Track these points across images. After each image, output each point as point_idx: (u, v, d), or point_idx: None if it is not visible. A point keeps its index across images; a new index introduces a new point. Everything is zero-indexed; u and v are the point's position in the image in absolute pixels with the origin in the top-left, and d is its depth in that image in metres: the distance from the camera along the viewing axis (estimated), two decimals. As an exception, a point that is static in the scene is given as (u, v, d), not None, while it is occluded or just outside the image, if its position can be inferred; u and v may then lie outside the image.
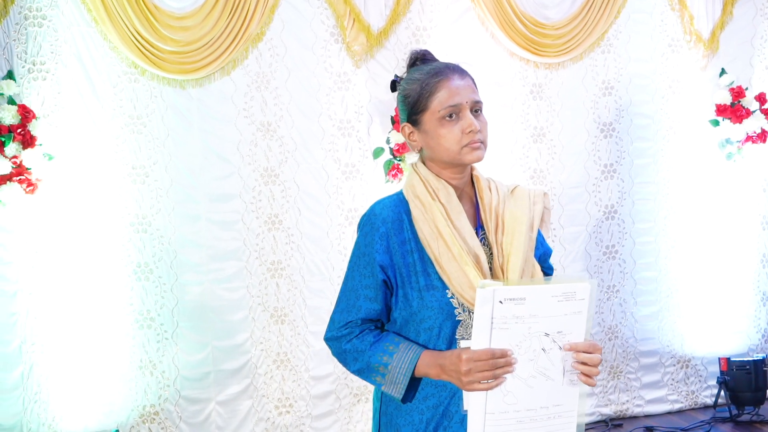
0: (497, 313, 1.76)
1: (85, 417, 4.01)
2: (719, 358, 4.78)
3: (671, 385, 4.92)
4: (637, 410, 4.84)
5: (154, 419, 4.16)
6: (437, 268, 1.92)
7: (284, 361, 4.34)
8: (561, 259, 4.71)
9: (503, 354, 1.76)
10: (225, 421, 4.27)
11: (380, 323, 2.03)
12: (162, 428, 4.17)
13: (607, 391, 4.81)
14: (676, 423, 4.72)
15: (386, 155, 4.34)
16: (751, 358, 4.73)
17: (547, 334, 1.80)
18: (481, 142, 1.96)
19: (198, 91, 4.14)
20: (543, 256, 2.11)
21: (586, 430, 4.62)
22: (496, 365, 1.76)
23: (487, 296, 1.75)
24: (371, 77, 4.38)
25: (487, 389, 1.78)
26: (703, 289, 4.93)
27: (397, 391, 1.93)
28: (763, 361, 4.73)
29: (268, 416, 4.34)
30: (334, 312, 2.02)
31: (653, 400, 4.89)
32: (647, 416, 4.82)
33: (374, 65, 4.39)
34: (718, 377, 4.75)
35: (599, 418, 4.77)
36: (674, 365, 4.92)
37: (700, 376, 4.97)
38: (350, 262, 2.01)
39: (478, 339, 1.78)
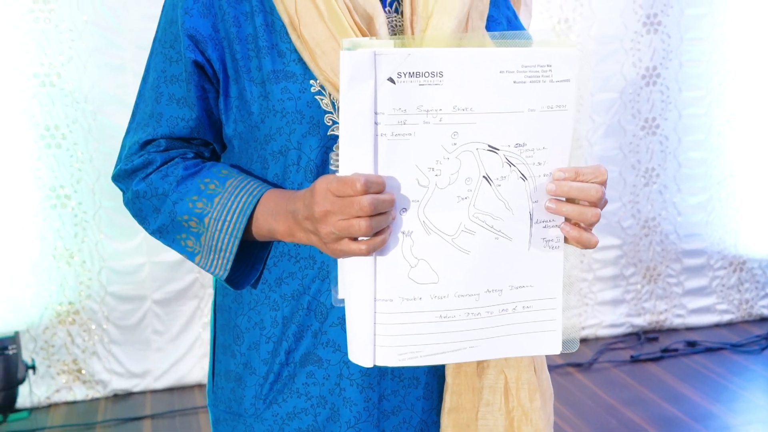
0: (386, 102, 0.89)
1: (-16, 316, 3.26)
2: (782, 259, 4.00)
3: (721, 292, 4.13)
4: (677, 321, 4.07)
5: (74, 320, 3.40)
6: (294, 38, 1.06)
7: (238, 252, 3.53)
8: (588, 134, 3.85)
9: (381, 183, 0.91)
10: (164, 324, 3.51)
11: (210, 149, 1.18)
12: (85, 331, 3.42)
13: (641, 298, 4.02)
14: (725, 337, 3.95)
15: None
16: (824, 258, 3.89)
17: (494, 149, 0.94)
18: None
19: None
20: None
21: (612, 344, 3.88)
22: (376, 204, 0.90)
23: (361, 65, 0.88)
24: None
25: (367, 253, 0.93)
26: (765, 175, 4.07)
27: (220, 266, 1.09)
28: (839, 262, 3.88)
29: (218, 320, 3.56)
30: (126, 132, 1.18)
31: (698, 309, 4.11)
32: (689, 329, 4.07)
33: None
34: (780, 282, 3.98)
35: (630, 330, 4.00)
36: (725, 268, 4.12)
37: (757, 281, 4.17)
38: (152, 44, 1.17)
39: (349, 154, 0.92)
